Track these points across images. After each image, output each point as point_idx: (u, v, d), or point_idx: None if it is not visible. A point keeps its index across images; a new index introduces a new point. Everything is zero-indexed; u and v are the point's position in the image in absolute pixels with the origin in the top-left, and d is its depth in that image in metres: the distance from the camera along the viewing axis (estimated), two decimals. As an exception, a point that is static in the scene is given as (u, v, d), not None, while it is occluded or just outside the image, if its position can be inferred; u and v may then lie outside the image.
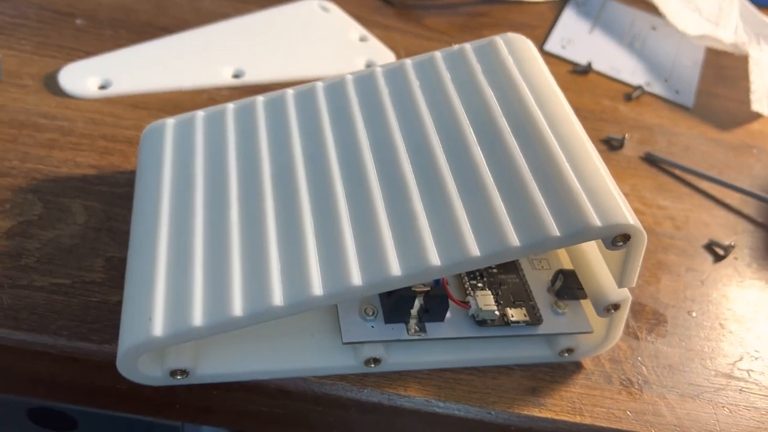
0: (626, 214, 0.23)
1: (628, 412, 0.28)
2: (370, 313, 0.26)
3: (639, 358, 0.30)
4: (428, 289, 0.26)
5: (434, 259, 0.23)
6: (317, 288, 0.23)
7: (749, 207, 0.39)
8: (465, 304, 0.27)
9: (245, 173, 0.27)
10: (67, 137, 0.33)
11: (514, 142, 0.26)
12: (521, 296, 0.28)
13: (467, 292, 0.28)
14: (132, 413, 0.28)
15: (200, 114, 0.30)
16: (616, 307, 0.26)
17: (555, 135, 0.26)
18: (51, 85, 0.35)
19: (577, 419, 0.27)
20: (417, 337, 0.26)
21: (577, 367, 0.29)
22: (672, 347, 0.31)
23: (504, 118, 0.27)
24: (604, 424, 0.27)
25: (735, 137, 0.44)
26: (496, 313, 0.27)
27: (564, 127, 0.26)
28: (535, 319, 0.28)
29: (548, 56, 0.47)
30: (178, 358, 0.24)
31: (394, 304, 0.26)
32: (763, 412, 0.29)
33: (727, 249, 0.35)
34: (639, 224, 0.23)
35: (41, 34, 0.38)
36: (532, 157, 0.25)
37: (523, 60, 0.29)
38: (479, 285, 0.28)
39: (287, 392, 0.26)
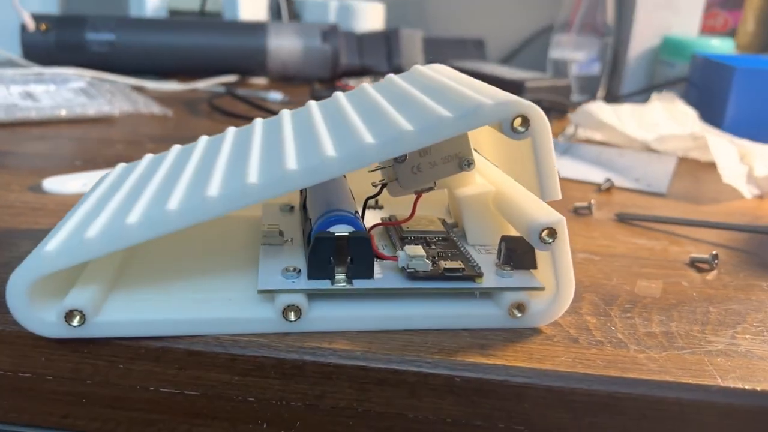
0: (519, 98, 0.23)
1: (599, 361, 0.23)
2: (292, 270, 0.25)
3: (612, 327, 0.26)
4: (348, 233, 0.25)
5: (330, 151, 0.23)
6: (214, 190, 0.22)
7: (735, 242, 0.36)
8: (393, 257, 0.26)
9: (179, 159, 0.28)
10: (37, 212, 0.35)
11: (417, 91, 0.27)
12: (459, 258, 0.26)
13: (396, 248, 0.26)
14: (37, 423, 0.25)
15: (150, 154, 0.32)
16: (552, 233, 0.24)
17: (457, 82, 0.27)
18: (35, 189, 0.39)
19: (535, 365, 0.23)
20: (341, 287, 0.24)
21: (535, 332, 0.25)
22: (651, 322, 0.27)
23: (412, 85, 0.28)
24: (568, 369, 0.23)
25: (716, 210, 0.43)
26: (427, 261, 0.25)
27: (467, 80, 0.27)
28: (473, 271, 0.25)
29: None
30: (75, 297, 0.23)
31: (315, 251, 0.24)
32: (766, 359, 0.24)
33: (711, 262, 0.32)
34: (535, 105, 0.23)
35: (41, 166, 0.43)
36: (430, 92, 0.26)
37: (441, 70, 0.32)
38: (411, 241, 0.27)
39: (198, 355, 0.23)
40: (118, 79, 0.68)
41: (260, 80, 0.79)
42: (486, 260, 0.27)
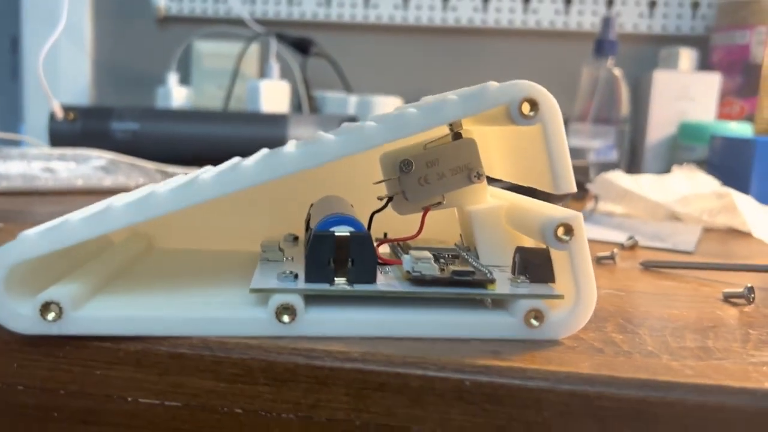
0: (528, 81, 0.22)
1: (628, 367, 0.21)
2: (289, 273, 0.23)
3: (641, 342, 0.23)
4: (348, 233, 0.23)
5: (331, 138, 0.22)
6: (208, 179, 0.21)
7: (771, 283, 0.34)
8: (398, 261, 0.24)
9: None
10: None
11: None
12: (470, 266, 0.25)
13: (400, 255, 0.25)
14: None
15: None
16: (568, 230, 0.22)
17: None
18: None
19: (553, 368, 0.20)
20: (340, 288, 0.23)
21: (554, 343, 0.23)
22: (684, 339, 0.24)
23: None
24: (596, 371, 0.20)
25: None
26: (435, 265, 0.23)
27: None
28: (484, 276, 0.23)
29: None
30: (53, 290, 0.21)
31: (313, 250, 0.23)
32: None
33: (748, 296, 0.30)
34: (543, 89, 0.22)
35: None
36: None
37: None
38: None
39: (181, 358, 0.21)
40: (139, 162, 0.69)
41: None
42: (500, 278, 0.25)
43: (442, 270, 0.24)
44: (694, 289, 0.32)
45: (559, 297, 0.23)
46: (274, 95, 0.85)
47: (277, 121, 0.79)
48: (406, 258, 0.23)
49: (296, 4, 0.95)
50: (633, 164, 0.80)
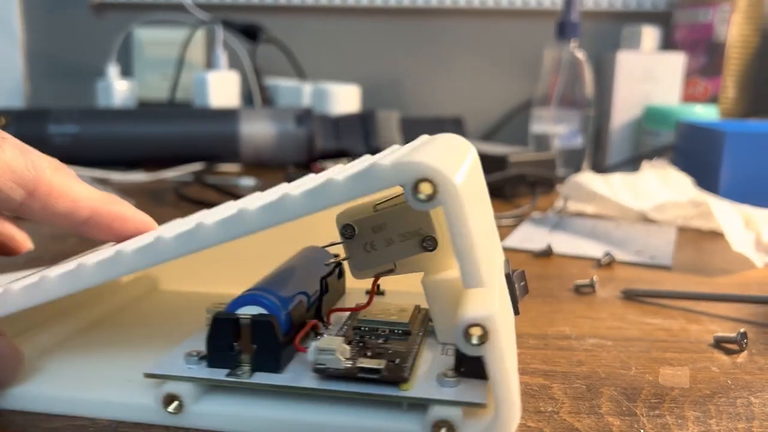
0: (425, 158, 0.18)
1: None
2: (195, 355, 0.21)
3: (641, 430, 0.21)
4: (250, 316, 0.21)
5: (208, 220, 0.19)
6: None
7: (758, 316, 0.32)
8: (302, 348, 0.21)
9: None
10: None
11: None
12: (397, 356, 0.22)
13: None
14: None
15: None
16: (482, 333, 0.18)
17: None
18: None
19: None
20: (234, 380, 0.20)
21: (550, 441, 0.20)
22: (686, 420, 0.22)
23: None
24: (596, 491, 0.18)
25: (728, 282, 0.39)
26: (340, 357, 0.20)
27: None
28: (396, 375, 0.20)
29: (505, 250, 0.45)
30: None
31: (212, 335, 0.21)
32: None
33: (740, 341, 0.28)
34: (446, 170, 0.18)
35: None
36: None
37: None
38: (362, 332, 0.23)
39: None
40: (79, 171, 0.65)
41: (232, 167, 0.76)
42: (448, 364, 0.22)
43: (355, 359, 0.21)
44: (682, 328, 0.30)
45: (481, 405, 0.19)
46: (222, 87, 0.80)
47: (228, 116, 0.75)
48: (310, 346, 0.21)
49: (242, -13, 0.90)
50: (598, 150, 0.78)
